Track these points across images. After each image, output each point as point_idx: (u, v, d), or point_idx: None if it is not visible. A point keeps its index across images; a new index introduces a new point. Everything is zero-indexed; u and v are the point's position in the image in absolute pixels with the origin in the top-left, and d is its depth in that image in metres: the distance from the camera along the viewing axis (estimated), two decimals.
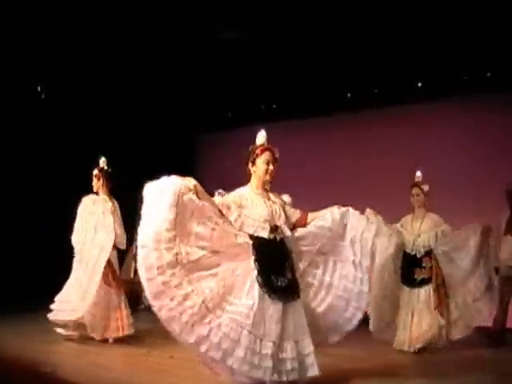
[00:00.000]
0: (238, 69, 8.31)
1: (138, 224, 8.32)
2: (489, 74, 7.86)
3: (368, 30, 7.15)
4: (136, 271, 9.60)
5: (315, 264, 4.37)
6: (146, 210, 4.15)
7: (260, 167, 4.33)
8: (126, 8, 6.91)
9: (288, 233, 4.23)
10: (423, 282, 6.03)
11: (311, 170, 8.91)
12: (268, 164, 4.32)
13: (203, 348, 3.84)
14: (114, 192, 6.77)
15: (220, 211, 4.14)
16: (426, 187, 6.17)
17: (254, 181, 4.38)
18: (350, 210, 4.38)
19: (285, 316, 4.01)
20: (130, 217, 8.89)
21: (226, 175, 9.75)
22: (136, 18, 7.13)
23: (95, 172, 6.62)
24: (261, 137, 4.48)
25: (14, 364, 5.17)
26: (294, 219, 4.38)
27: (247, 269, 4.05)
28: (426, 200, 6.21)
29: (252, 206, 4.24)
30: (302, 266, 4.31)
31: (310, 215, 4.44)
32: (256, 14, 6.99)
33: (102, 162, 6.68)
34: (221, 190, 5.87)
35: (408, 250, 6.19)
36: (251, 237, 4.13)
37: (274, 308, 4.00)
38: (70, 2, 6.75)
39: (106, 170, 6.63)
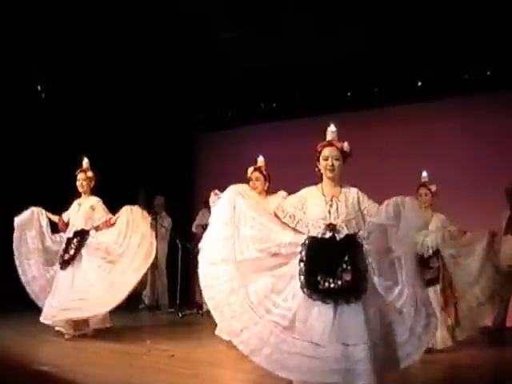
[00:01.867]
0: (238, 68, 8.31)
1: None
2: (489, 73, 7.84)
3: (368, 29, 7.14)
4: None
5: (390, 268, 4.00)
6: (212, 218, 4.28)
7: (321, 164, 4.24)
8: (127, 7, 6.90)
9: (348, 231, 4.02)
10: (430, 283, 5.92)
11: (311, 169, 8.89)
12: (327, 159, 4.21)
13: (235, 342, 3.96)
14: (112, 191, 6.78)
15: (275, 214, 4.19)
16: (433, 187, 6.14)
17: (323, 178, 4.29)
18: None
19: (335, 318, 3.84)
20: None
21: (226, 174, 9.78)
22: (136, 17, 7.12)
23: (91, 174, 6.58)
24: (329, 132, 4.36)
25: (14, 363, 5.17)
26: (371, 213, 4.12)
27: (295, 269, 4.01)
28: (434, 200, 6.19)
29: (309, 206, 4.16)
30: (379, 267, 3.97)
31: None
32: (256, 14, 6.98)
33: (86, 163, 6.63)
34: (216, 191, 5.92)
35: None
36: (307, 237, 4.05)
37: (319, 309, 3.89)
38: (70, 3, 6.74)
39: (94, 171, 6.64)
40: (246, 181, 6.13)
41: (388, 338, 3.87)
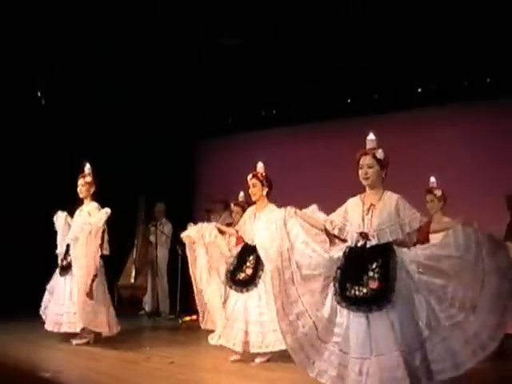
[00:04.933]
0: (238, 74, 8.32)
1: (139, 229, 8.23)
2: (489, 80, 7.86)
3: (368, 36, 7.16)
4: (136, 276, 9.58)
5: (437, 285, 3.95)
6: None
7: (359, 173, 4.27)
8: (126, 16, 6.93)
9: (378, 240, 4.02)
10: None
11: (311, 175, 8.91)
12: (362, 168, 4.22)
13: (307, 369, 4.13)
14: (112, 198, 6.80)
15: (325, 229, 4.36)
16: (438, 192, 6.08)
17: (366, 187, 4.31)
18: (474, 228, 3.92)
19: (368, 328, 3.87)
20: (129, 222, 8.98)
21: (226, 181, 9.80)
22: (135, 25, 7.15)
23: (89, 179, 6.60)
24: (367, 141, 4.31)
25: (14, 369, 5.16)
26: (412, 225, 4.07)
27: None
28: (442, 205, 6.14)
29: (350, 216, 4.23)
30: (413, 278, 3.95)
31: (433, 225, 4.26)
32: (256, 20, 7.00)
33: (88, 168, 6.63)
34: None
35: None
36: (347, 246, 4.15)
37: (352, 319, 3.94)
38: (70, 10, 6.76)
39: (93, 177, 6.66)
40: (246, 187, 6.14)
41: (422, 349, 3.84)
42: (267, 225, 5.53)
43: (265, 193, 5.85)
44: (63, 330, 6.27)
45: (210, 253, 6.12)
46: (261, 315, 5.53)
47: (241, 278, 5.74)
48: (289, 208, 4.53)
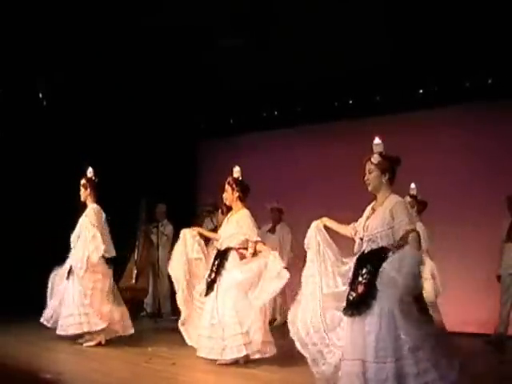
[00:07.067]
0: (240, 75, 8.32)
1: (140, 230, 8.21)
2: (490, 81, 7.85)
3: (369, 37, 7.16)
4: (138, 277, 9.54)
5: None
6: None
7: None
8: (128, 17, 6.94)
9: (371, 245, 4.01)
10: None
11: (312, 176, 8.91)
12: (365, 174, 4.17)
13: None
14: (114, 199, 6.82)
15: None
16: (407, 198, 5.93)
17: None
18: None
19: (352, 332, 3.91)
20: (130, 223, 8.97)
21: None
22: (137, 26, 7.16)
23: (82, 182, 6.65)
24: (373, 145, 4.20)
25: (16, 371, 5.17)
26: (398, 232, 3.95)
27: None
28: (416, 211, 6.02)
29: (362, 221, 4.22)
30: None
31: None
32: (257, 22, 7.00)
33: (89, 172, 6.72)
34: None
35: None
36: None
37: (349, 322, 3.96)
38: (71, 12, 6.78)
39: (93, 180, 6.68)
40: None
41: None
42: (236, 227, 5.54)
43: (235, 197, 5.85)
44: (70, 332, 6.32)
45: (190, 270, 6.04)
46: (212, 319, 5.51)
47: (208, 281, 5.74)
48: (319, 221, 4.48)
